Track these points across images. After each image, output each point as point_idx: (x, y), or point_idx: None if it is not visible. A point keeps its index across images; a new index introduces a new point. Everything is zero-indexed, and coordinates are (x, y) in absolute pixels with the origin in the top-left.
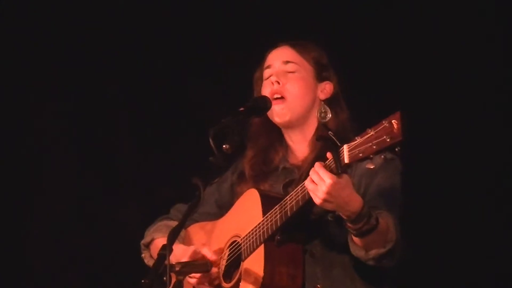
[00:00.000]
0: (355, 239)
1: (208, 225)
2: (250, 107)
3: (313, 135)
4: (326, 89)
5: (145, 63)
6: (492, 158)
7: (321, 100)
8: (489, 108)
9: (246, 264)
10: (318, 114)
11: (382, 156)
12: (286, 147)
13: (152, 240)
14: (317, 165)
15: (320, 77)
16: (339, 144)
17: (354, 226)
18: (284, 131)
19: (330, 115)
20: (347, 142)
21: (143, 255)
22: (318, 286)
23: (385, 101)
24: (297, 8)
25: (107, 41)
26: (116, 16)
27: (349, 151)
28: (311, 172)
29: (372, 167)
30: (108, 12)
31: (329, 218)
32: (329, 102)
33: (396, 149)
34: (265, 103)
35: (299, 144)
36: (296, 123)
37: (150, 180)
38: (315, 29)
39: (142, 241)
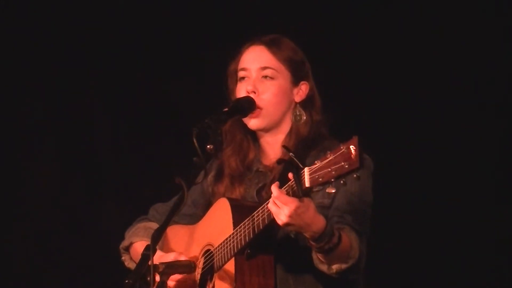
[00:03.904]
0: (318, 255)
1: (184, 229)
2: (233, 107)
3: (285, 137)
4: (302, 90)
5: (125, 63)
6: (491, 158)
7: (296, 103)
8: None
9: (218, 276)
10: (293, 117)
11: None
12: (259, 147)
13: (131, 244)
14: (277, 190)
15: (296, 80)
16: (301, 167)
17: (316, 245)
18: (258, 133)
19: (305, 117)
20: (310, 164)
21: (123, 258)
22: None
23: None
24: (276, 8)
25: (89, 41)
26: (98, 16)
27: (309, 174)
28: (272, 196)
29: (333, 191)
30: (92, 10)
31: (291, 236)
32: (304, 102)
33: (355, 175)
34: (249, 104)
35: (272, 146)
36: (270, 128)
37: (131, 181)
38: (294, 30)
39: (121, 245)
